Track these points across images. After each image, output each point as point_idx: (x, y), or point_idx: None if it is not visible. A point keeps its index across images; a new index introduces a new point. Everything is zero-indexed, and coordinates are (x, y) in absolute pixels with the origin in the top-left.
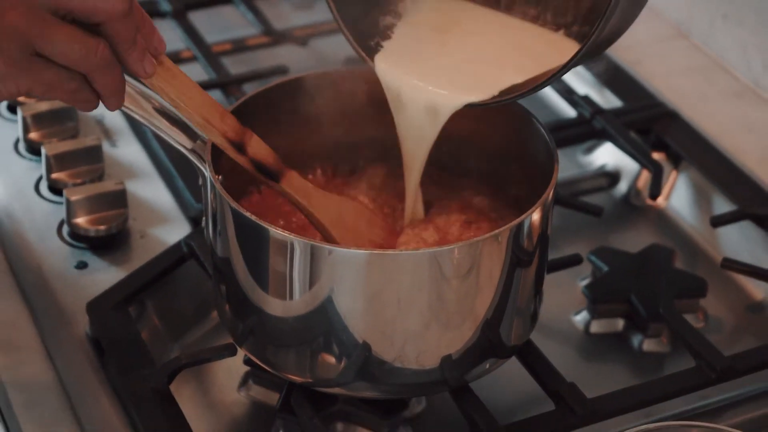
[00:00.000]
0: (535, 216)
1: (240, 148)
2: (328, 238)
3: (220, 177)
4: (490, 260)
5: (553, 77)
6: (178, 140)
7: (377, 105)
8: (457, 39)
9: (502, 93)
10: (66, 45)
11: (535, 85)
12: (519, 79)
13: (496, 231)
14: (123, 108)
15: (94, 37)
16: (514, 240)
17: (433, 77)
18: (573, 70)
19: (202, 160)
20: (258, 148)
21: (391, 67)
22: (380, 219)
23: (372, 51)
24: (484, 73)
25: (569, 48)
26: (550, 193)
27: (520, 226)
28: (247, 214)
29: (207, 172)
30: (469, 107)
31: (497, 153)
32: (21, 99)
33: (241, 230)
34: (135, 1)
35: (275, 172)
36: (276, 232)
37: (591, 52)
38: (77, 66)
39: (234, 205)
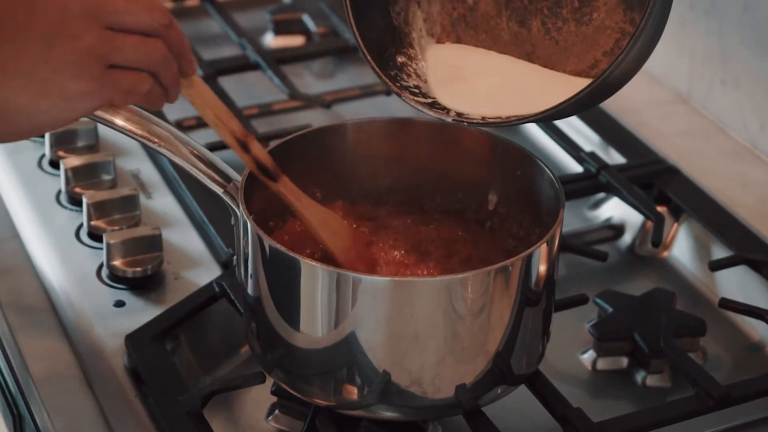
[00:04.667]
0: (543, 250)
1: (245, 147)
2: (317, 237)
3: (252, 216)
4: (500, 297)
5: (563, 104)
6: (214, 180)
7: (397, 153)
8: (476, 77)
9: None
10: (135, 50)
11: (547, 110)
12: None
13: (508, 261)
14: (162, 151)
15: (151, 38)
16: (524, 276)
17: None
18: (578, 129)
19: (235, 201)
20: (259, 150)
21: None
22: (356, 234)
23: (392, 79)
24: (504, 99)
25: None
26: (557, 229)
27: (530, 258)
28: (278, 246)
29: (240, 210)
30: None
31: (507, 199)
32: (61, 153)
33: (272, 263)
34: (173, 19)
35: (273, 173)
36: (305, 261)
37: (601, 90)
38: (148, 65)
39: (265, 237)
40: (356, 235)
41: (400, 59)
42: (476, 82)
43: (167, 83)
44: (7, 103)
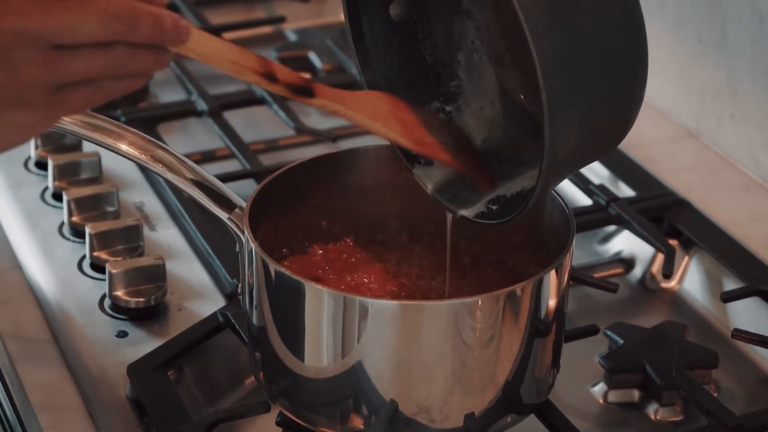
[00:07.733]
0: (553, 275)
1: (271, 77)
2: (374, 130)
3: (257, 242)
4: (510, 324)
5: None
6: (218, 206)
7: (401, 181)
8: None
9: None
10: (85, 64)
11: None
12: None
13: (518, 285)
14: (167, 176)
15: (104, 48)
16: (534, 302)
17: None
18: None
19: (240, 227)
20: (285, 73)
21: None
22: (405, 104)
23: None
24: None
25: None
26: (568, 253)
27: (540, 282)
28: (283, 269)
29: (245, 236)
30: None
31: (516, 227)
32: (63, 185)
33: (277, 287)
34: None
35: (308, 89)
36: (310, 285)
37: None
38: (103, 74)
39: (270, 261)
40: (405, 108)
41: (432, 106)
42: None
43: (142, 69)
44: None
